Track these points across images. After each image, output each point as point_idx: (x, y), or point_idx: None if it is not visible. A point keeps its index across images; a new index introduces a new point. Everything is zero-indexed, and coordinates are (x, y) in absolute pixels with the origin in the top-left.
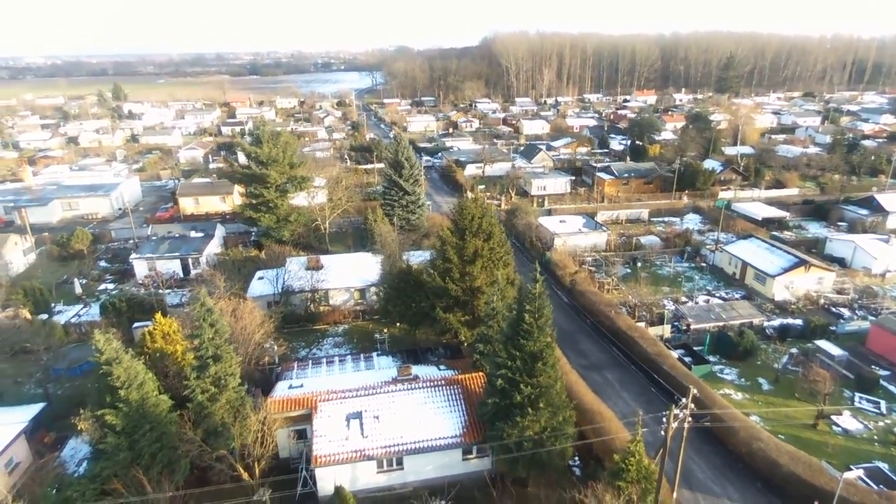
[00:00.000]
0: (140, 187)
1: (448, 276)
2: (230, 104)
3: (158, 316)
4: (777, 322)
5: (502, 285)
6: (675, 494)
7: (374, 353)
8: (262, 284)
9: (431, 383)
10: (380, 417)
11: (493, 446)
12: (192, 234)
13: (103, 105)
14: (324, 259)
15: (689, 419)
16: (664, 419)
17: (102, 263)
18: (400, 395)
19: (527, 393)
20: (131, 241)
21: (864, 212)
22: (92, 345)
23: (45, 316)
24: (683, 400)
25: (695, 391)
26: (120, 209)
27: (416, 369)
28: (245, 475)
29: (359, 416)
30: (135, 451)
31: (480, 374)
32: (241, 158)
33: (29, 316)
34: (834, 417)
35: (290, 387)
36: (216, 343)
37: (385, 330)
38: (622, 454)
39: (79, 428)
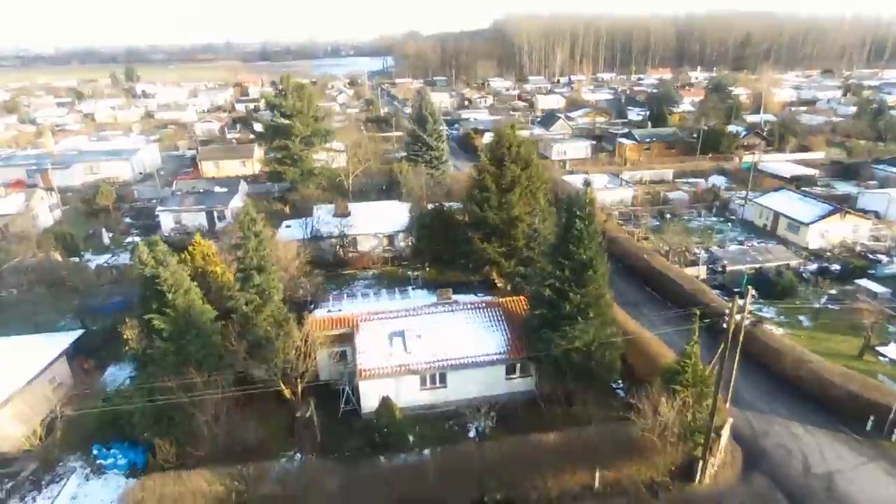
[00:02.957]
0: (159, 154)
1: (486, 204)
2: (242, 84)
3: (198, 237)
4: (814, 266)
5: (543, 205)
6: (727, 404)
7: (409, 287)
8: (289, 231)
9: (472, 305)
10: (422, 336)
11: (540, 360)
12: (217, 189)
13: (117, 85)
14: (351, 206)
15: (749, 318)
16: (726, 312)
17: (127, 220)
18: (441, 316)
19: (576, 302)
20: (154, 201)
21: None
22: (136, 256)
23: (76, 259)
24: (741, 301)
25: (753, 291)
26: (141, 173)
27: (455, 296)
28: (287, 392)
29: (401, 334)
30: (182, 357)
31: (521, 297)
32: (258, 128)
33: (60, 259)
34: (879, 349)
35: (329, 311)
36: (260, 253)
37: (417, 274)
38: (678, 357)
39: (124, 336)
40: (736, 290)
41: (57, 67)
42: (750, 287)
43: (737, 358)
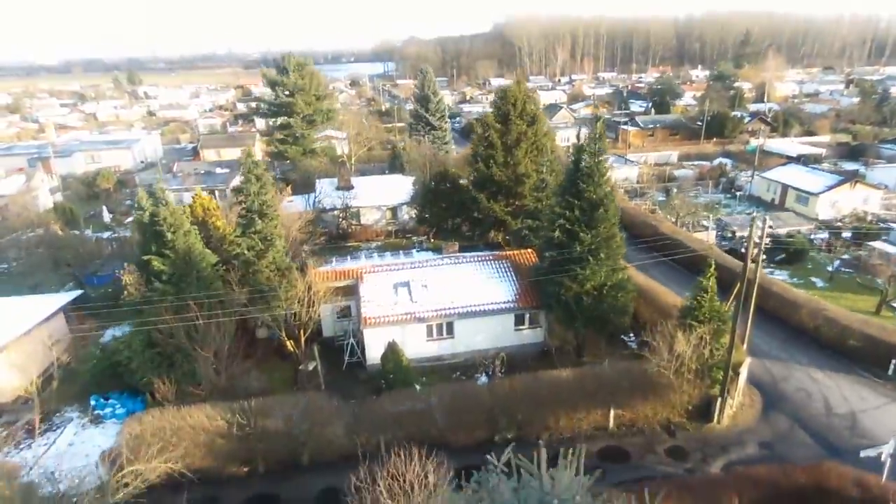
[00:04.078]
0: (161, 146)
1: (492, 161)
2: (244, 86)
3: (198, 191)
4: (824, 234)
5: (550, 157)
6: (745, 345)
7: (414, 250)
8: (292, 206)
9: (479, 258)
10: (428, 286)
11: (550, 307)
12: (218, 170)
13: (119, 88)
14: (354, 180)
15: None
16: (747, 230)
17: (128, 202)
18: (448, 268)
19: (587, 243)
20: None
21: None
22: (136, 201)
23: (76, 232)
24: (759, 223)
25: (770, 222)
26: (142, 162)
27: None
28: (290, 344)
29: (406, 284)
30: (182, 301)
31: (530, 249)
32: (259, 124)
33: (60, 232)
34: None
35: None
36: (262, 198)
37: (421, 239)
38: (694, 291)
39: (123, 282)
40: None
41: (60, 76)
42: (767, 217)
43: (755, 291)
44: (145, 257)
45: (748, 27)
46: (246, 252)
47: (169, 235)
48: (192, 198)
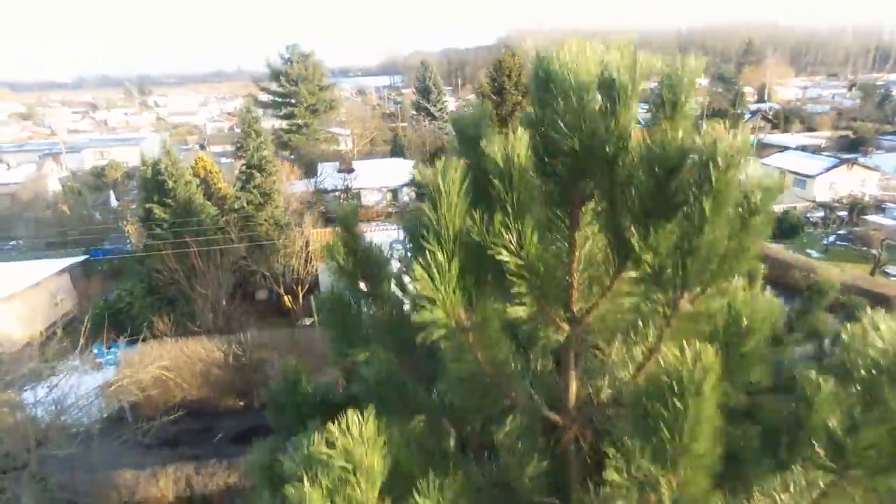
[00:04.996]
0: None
1: None
2: (253, 95)
3: (201, 155)
4: (821, 213)
5: None
6: None
7: None
8: (294, 188)
9: None
10: None
11: None
12: (223, 160)
13: (130, 97)
14: (355, 163)
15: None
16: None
17: (134, 192)
18: None
19: None
20: None
21: None
22: (140, 157)
23: (84, 212)
24: None
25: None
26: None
27: None
28: (287, 300)
29: (403, 242)
30: (182, 243)
31: None
32: (265, 124)
33: (68, 211)
34: (889, 269)
35: None
36: (261, 153)
37: None
38: None
39: (126, 233)
40: None
41: (72, 90)
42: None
43: None
44: (147, 205)
45: (751, 38)
46: (245, 205)
47: (170, 183)
48: (195, 160)
